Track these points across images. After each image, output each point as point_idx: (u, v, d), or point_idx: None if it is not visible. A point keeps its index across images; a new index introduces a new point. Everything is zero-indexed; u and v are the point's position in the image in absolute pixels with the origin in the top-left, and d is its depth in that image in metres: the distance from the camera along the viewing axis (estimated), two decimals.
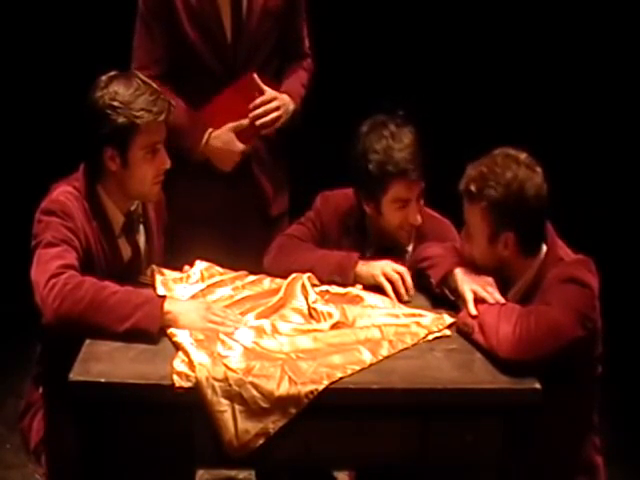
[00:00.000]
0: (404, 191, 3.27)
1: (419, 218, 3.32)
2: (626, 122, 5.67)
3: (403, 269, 3.24)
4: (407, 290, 3.20)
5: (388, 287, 3.19)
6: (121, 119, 3.00)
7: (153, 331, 2.82)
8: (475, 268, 3.04)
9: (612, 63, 5.61)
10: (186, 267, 3.27)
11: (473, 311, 2.93)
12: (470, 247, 3.04)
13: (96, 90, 3.03)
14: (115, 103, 3.00)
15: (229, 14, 3.55)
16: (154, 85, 3.09)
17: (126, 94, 3.01)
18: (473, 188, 2.95)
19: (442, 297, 3.13)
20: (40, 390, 3.17)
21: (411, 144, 3.26)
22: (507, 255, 2.98)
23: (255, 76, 3.53)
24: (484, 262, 3.02)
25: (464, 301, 2.98)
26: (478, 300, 2.95)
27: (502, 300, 2.95)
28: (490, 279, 3.00)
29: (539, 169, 2.97)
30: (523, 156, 2.98)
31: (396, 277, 3.21)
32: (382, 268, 3.23)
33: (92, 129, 3.04)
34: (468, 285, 2.99)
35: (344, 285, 3.21)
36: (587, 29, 5.57)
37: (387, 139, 3.26)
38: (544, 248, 3.02)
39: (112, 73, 3.08)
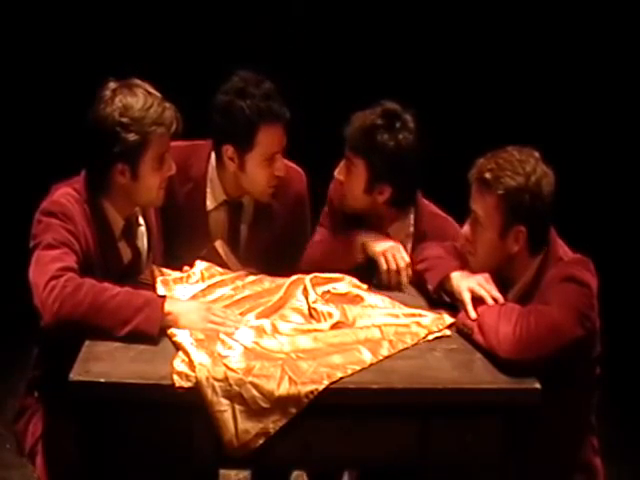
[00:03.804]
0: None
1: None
2: (624, 121, 5.68)
3: (405, 262, 3.31)
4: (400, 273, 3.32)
5: (384, 267, 3.30)
6: (133, 136, 2.97)
7: (153, 333, 2.81)
8: (474, 266, 3.04)
9: (610, 62, 5.63)
10: (186, 267, 3.27)
11: (472, 314, 2.92)
12: (475, 241, 3.01)
13: (102, 106, 2.99)
14: (125, 120, 2.97)
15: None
16: (157, 94, 3.07)
17: (135, 109, 2.98)
18: (489, 176, 2.92)
19: (440, 301, 3.13)
20: (35, 394, 3.17)
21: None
22: (515, 251, 2.96)
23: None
24: (488, 259, 3.00)
25: (462, 304, 2.98)
26: (476, 300, 2.95)
27: (500, 297, 2.94)
28: (486, 275, 3.00)
29: (551, 171, 2.98)
30: (538, 154, 2.98)
31: (394, 267, 3.30)
32: (391, 249, 3.33)
33: (102, 147, 3.00)
34: (465, 286, 2.99)
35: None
36: (587, 32, 5.58)
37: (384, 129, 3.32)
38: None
39: (113, 85, 3.04)
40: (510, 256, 2.98)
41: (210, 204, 3.47)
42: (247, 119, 3.28)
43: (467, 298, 2.96)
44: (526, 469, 2.94)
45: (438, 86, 5.55)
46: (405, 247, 3.40)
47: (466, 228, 3.04)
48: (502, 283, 3.02)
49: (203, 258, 3.33)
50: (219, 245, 3.43)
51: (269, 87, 3.32)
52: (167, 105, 3.06)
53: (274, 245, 3.50)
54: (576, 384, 2.92)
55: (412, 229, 3.45)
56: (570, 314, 2.80)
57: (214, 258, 3.37)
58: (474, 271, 3.04)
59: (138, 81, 3.09)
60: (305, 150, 3.58)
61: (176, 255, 3.39)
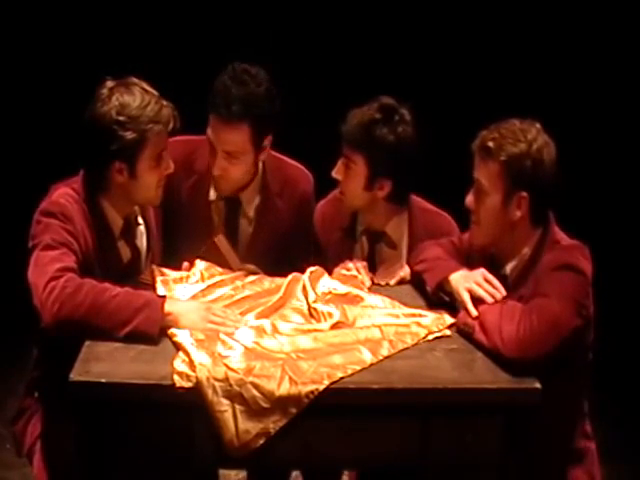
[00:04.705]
0: None
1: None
2: (618, 109, 5.69)
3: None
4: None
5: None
6: (130, 134, 2.97)
7: (154, 334, 2.81)
8: (477, 236, 3.05)
9: (608, 58, 5.64)
10: (185, 263, 3.27)
11: (473, 312, 2.93)
12: (478, 210, 3.02)
13: (99, 105, 2.99)
14: (122, 118, 2.97)
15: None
16: (155, 92, 3.07)
17: (133, 107, 2.98)
18: (491, 144, 2.96)
19: (439, 301, 3.13)
20: (35, 395, 3.17)
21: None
22: (518, 218, 2.97)
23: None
24: (491, 227, 3.00)
25: (462, 305, 2.99)
26: (476, 300, 2.96)
27: (498, 294, 2.95)
28: (482, 270, 3.01)
29: (552, 142, 3.00)
30: (539, 125, 3.01)
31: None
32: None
33: (100, 145, 3.00)
34: (463, 287, 2.99)
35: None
36: (585, 30, 5.58)
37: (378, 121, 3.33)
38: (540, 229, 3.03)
39: (110, 84, 3.04)
40: (513, 224, 2.99)
41: (213, 194, 3.49)
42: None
43: (467, 299, 2.97)
44: (519, 457, 2.94)
45: (434, 83, 5.56)
46: (401, 245, 3.41)
47: (469, 198, 3.06)
48: (501, 257, 3.04)
49: (204, 253, 3.33)
50: (219, 240, 3.42)
51: (243, 89, 3.28)
52: (164, 103, 3.05)
53: (277, 244, 3.50)
54: (570, 371, 2.92)
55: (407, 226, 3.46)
56: (568, 305, 2.82)
57: (214, 254, 3.36)
58: (477, 241, 3.07)
59: (135, 80, 3.08)
60: (305, 150, 3.59)
61: (179, 249, 3.40)
